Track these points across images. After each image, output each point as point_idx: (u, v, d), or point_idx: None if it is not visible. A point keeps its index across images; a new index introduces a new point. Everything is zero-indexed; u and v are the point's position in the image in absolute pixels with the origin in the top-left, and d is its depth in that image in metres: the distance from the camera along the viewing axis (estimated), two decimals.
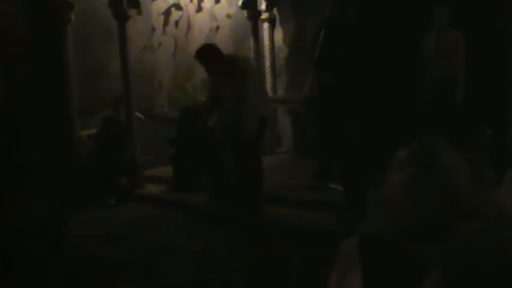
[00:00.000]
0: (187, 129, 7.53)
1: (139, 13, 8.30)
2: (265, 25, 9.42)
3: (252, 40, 8.98)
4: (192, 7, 9.14)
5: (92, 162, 7.48)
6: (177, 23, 8.97)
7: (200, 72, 9.16)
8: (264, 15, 9.33)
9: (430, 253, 1.39)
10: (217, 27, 9.17)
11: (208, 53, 6.32)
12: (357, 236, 1.67)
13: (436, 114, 6.87)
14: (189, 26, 9.11)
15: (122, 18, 7.68)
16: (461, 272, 1.24)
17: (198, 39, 9.13)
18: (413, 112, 7.01)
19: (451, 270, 1.24)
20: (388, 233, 1.56)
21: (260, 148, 6.58)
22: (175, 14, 8.96)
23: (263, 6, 9.29)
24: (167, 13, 8.87)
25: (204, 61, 6.33)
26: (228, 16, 9.24)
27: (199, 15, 9.22)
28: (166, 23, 8.82)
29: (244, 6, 8.97)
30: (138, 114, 7.86)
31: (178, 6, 8.99)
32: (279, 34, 9.59)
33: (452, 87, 6.93)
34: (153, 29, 8.61)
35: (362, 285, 1.60)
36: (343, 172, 6.32)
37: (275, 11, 9.46)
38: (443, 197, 1.51)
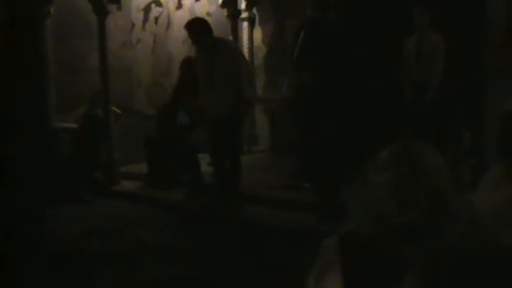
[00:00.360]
0: (165, 126, 7.54)
1: (119, 8, 8.29)
2: (245, 24, 9.45)
3: (231, 39, 8.99)
4: (172, 4, 9.14)
5: (69, 158, 7.46)
6: (156, 19, 8.96)
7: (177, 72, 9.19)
8: (244, 15, 9.37)
9: (410, 253, 1.43)
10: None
11: (200, 25, 6.33)
12: (337, 235, 1.70)
13: (416, 116, 6.95)
14: (168, 23, 9.11)
15: (102, 13, 7.65)
16: (440, 272, 1.27)
17: (177, 36, 9.14)
18: (394, 113, 7.09)
19: (430, 270, 1.28)
20: (369, 233, 1.60)
21: (241, 135, 6.58)
22: (155, 11, 8.95)
23: (243, 5, 9.33)
24: (147, 9, 8.86)
25: (194, 33, 6.30)
26: (208, 14, 9.25)
27: (179, 12, 9.22)
28: (146, 19, 8.81)
29: (224, 4, 8.99)
30: (114, 109, 7.84)
31: (158, 3, 8.98)
32: (258, 33, 9.63)
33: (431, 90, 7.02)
34: (133, 25, 8.59)
35: (341, 284, 1.63)
36: (317, 171, 6.36)
37: (255, 10, 9.49)
38: (428, 199, 1.54)
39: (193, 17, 9.14)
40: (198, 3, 9.30)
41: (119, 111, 7.84)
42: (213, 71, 6.23)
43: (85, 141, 7.48)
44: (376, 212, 1.60)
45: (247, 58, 9.10)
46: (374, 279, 1.58)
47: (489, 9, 7.00)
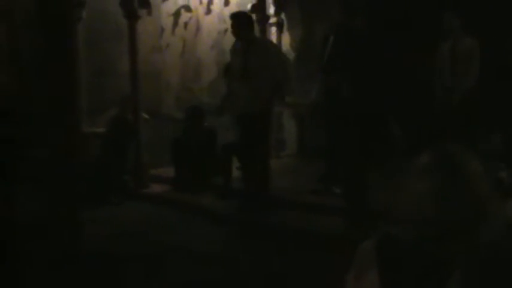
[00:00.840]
0: (192, 129, 7.59)
1: (150, 13, 8.35)
2: (273, 29, 9.49)
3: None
4: (201, 9, 9.20)
5: (99, 162, 7.53)
6: (186, 24, 9.02)
7: (207, 74, 9.24)
8: (273, 20, 9.41)
9: (451, 255, 1.44)
10: (226, 30, 9.21)
11: (243, 19, 6.44)
12: (375, 238, 1.72)
13: (449, 122, 6.92)
14: (197, 28, 9.17)
15: (132, 18, 7.73)
16: (483, 273, 1.28)
17: (206, 41, 9.20)
18: (425, 119, 7.07)
19: (473, 271, 1.29)
20: (407, 237, 1.61)
21: (267, 136, 6.59)
22: (184, 16, 9.02)
23: (271, 11, 9.37)
24: (177, 14, 8.93)
25: (236, 26, 6.40)
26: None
27: (208, 17, 9.28)
28: (175, 24, 8.88)
29: (253, 9, 9.02)
30: (143, 114, 7.91)
31: (187, 8, 9.04)
32: (286, 38, 9.65)
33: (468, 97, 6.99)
34: (162, 30, 8.67)
35: (378, 287, 1.64)
36: (344, 176, 6.36)
37: (283, 15, 9.52)
38: (469, 205, 1.55)
39: (221, 22, 9.23)
40: (227, 8, 9.35)
41: (147, 116, 7.90)
42: (248, 65, 6.25)
43: (112, 144, 7.55)
44: (416, 216, 1.61)
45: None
46: (410, 282, 1.59)
47: None
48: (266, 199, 6.54)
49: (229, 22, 8.96)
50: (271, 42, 6.42)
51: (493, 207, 1.58)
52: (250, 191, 6.54)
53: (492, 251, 1.36)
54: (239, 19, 6.43)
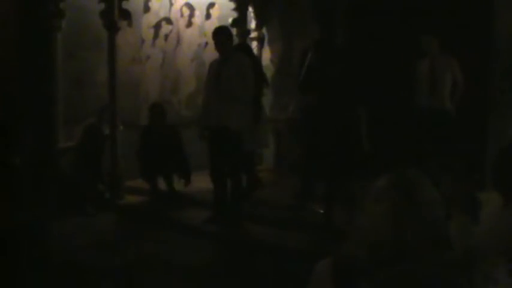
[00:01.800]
0: (155, 126, 7.69)
1: (130, 25, 8.36)
2: (254, 43, 9.54)
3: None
4: (182, 22, 9.22)
5: (72, 171, 7.50)
6: (166, 36, 9.03)
7: (186, 87, 9.25)
8: (253, 34, 9.47)
9: (404, 277, 1.46)
10: (206, 43, 9.25)
11: (221, 34, 6.45)
12: (331, 259, 1.74)
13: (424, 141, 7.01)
14: (178, 41, 9.18)
15: (112, 29, 7.73)
16: None
17: (186, 53, 9.22)
18: (401, 137, 7.15)
19: None
20: (363, 259, 1.63)
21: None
22: (165, 28, 9.02)
23: (252, 25, 9.43)
24: (157, 26, 8.93)
25: (215, 40, 6.44)
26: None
27: (189, 30, 9.30)
28: (156, 36, 8.88)
29: (234, 23, 9.08)
30: (119, 125, 7.88)
31: (168, 20, 9.06)
32: (266, 53, 9.71)
33: (443, 116, 7.09)
34: (143, 42, 8.66)
35: None
36: (325, 193, 6.39)
37: (264, 30, 9.58)
38: (424, 229, 1.59)
39: (202, 35, 9.26)
40: (208, 21, 9.38)
41: (121, 127, 7.86)
42: (221, 79, 6.28)
43: (85, 153, 7.53)
44: (372, 239, 1.63)
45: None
46: None
47: (496, 38, 7.05)
48: (239, 212, 6.55)
49: (209, 35, 9.04)
50: (244, 60, 6.43)
51: (445, 233, 1.61)
52: (223, 203, 6.53)
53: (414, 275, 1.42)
54: (216, 34, 6.47)
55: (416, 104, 7.31)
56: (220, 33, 6.45)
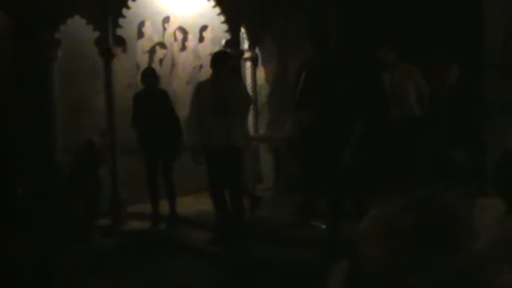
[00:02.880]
0: (148, 89, 7.70)
1: (125, 51, 8.44)
2: (248, 64, 9.61)
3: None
4: (176, 46, 9.30)
5: (69, 189, 7.50)
6: (161, 61, 9.10)
7: (183, 109, 9.29)
8: (247, 54, 9.53)
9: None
10: (201, 66, 9.32)
11: (218, 57, 6.64)
12: (340, 269, 1.76)
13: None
14: (173, 64, 9.25)
15: (108, 56, 7.82)
16: None
17: (181, 76, 9.28)
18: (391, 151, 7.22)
19: None
20: (373, 269, 1.65)
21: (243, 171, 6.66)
22: (159, 53, 9.10)
23: (246, 46, 9.50)
24: (152, 51, 9.01)
25: (212, 63, 6.56)
26: (211, 54, 9.38)
27: (183, 53, 9.37)
28: (151, 60, 8.95)
29: (227, 45, 9.15)
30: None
31: (162, 45, 9.14)
32: (261, 73, 9.78)
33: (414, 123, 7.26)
34: (138, 67, 8.72)
35: None
36: (327, 208, 6.42)
37: (257, 50, 9.65)
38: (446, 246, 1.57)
39: (196, 58, 9.33)
40: (202, 44, 9.46)
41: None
42: (221, 99, 6.34)
43: (85, 169, 7.55)
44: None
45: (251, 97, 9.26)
46: None
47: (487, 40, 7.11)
48: (241, 232, 6.56)
49: (203, 58, 9.15)
50: (240, 81, 6.59)
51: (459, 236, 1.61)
52: (225, 224, 6.55)
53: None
54: (213, 58, 6.64)
55: (391, 114, 7.50)
56: (222, 57, 6.63)
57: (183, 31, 9.37)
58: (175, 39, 9.29)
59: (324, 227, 6.44)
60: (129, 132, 7.46)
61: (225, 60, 6.56)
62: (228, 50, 7.32)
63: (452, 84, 7.49)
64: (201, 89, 6.65)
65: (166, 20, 9.17)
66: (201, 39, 9.53)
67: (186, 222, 7.53)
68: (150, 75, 7.68)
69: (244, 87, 6.69)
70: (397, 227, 1.58)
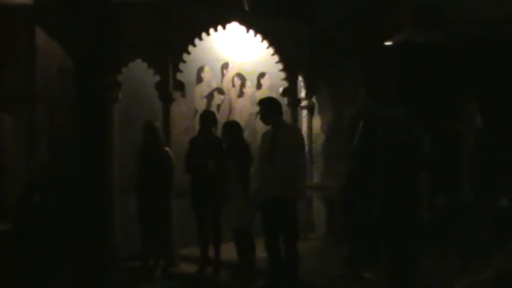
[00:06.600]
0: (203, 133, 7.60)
1: (183, 96, 8.61)
2: (304, 112, 9.69)
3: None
4: (234, 92, 9.45)
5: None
6: (219, 106, 9.25)
7: None
8: (304, 103, 9.62)
9: None
10: (258, 112, 9.37)
11: (269, 104, 6.55)
12: None
13: None
14: (230, 110, 9.39)
15: (167, 100, 8.00)
16: None
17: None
18: None
19: None
20: None
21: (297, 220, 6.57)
22: (217, 98, 9.26)
23: (303, 94, 9.59)
24: (210, 97, 9.17)
25: (263, 110, 6.56)
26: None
27: (241, 99, 9.51)
28: (208, 105, 9.10)
29: (284, 93, 9.25)
30: None
31: (220, 91, 9.30)
32: (317, 121, 9.83)
33: None
34: (196, 112, 8.86)
35: None
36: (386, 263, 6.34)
37: (314, 99, 9.73)
38: None
39: (253, 104, 9.44)
40: (259, 91, 9.59)
41: None
42: (275, 148, 6.28)
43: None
44: None
45: (306, 145, 9.27)
46: None
47: None
48: (293, 283, 6.51)
49: None
50: (295, 129, 6.54)
51: None
52: (277, 273, 6.51)
53: None
54: (264, 104, 6.58)
55: None
56: (263, 104, 6.59)
57: (241, 77, 9.53)
58: (233, 85, 9.45)
59: (372, 277, 6.35)
60: (183, 176, 7.52)
61: (263, 108, 6.53)
62: (272, 97, 7.16)
63: None
64: (263, 138, 6.62)
65: (225, 66, 9.35)
66: (259, 86, 9.67)
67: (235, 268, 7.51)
68: (209, 120, 7.59)
69: (302, 136, 6.62)
70: None
